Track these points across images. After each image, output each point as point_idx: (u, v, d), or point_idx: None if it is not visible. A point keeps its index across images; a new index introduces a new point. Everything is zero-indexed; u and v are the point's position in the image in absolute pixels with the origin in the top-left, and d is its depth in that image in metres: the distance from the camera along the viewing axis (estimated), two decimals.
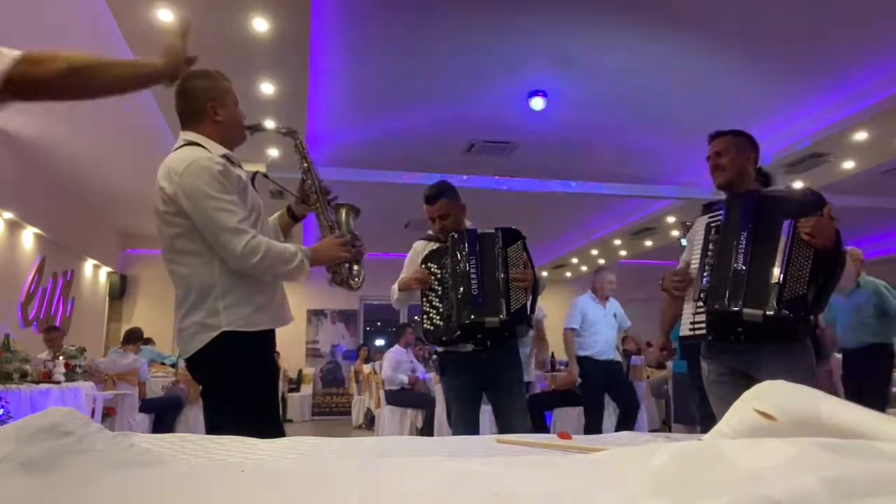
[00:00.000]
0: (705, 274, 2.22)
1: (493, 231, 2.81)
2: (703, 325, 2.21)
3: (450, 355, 2.90)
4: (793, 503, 0.35)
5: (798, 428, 0.50)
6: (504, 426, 2.83)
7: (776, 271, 2.06)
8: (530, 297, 2.71)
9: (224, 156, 1.99)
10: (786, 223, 2.10)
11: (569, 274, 12.44)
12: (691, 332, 2.26)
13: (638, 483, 0.42)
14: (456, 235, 2.84)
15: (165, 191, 1.94)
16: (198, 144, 1.99)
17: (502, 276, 2.71)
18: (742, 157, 2.36)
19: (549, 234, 9.98)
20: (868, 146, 6.09)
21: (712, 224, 2.29)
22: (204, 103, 2.03)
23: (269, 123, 2.30)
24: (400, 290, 2.95)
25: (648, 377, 7.50)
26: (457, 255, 2.79)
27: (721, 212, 2.28)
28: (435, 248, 2.91)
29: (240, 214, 1.91)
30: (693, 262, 2.32)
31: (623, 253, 10.94)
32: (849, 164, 6.51)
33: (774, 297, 2.04)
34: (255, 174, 2.26)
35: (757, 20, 4.49)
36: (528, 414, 2.98)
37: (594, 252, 11.13)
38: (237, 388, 1.97)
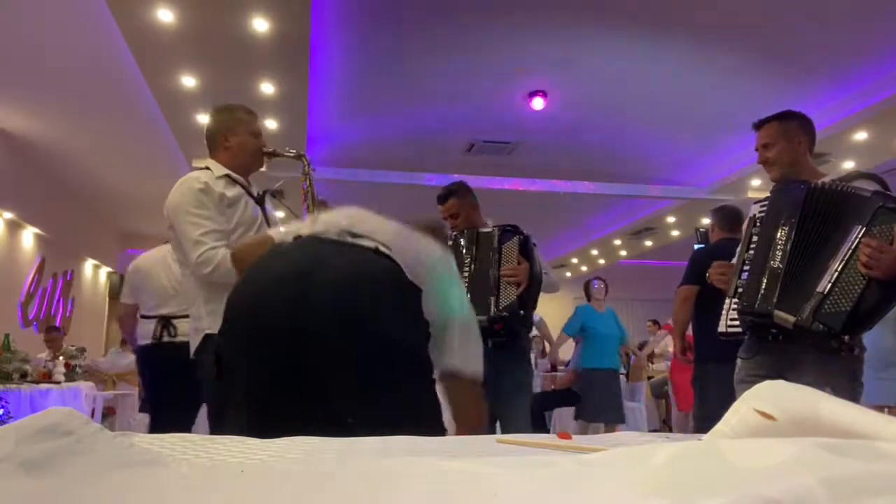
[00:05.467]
0: (745, 269, 2.02)
1: (490, 230, 2.82)
2: (738, 323, 2.05)
3: None
4: (793, 503, 0.35)
5: (798, 428, 0.50)
6: (504, 427, 2.84)
7: (825, 279, 1.80)
8: (521, 293, 2.67)
9: (226, 175, 2.19)
10: (855, 229, 1.80)
11: (569, 274, 12.45)
12: (728, 330, 2.09)
13: (637, 483, 0.42)
14: (457, 235, 2.87)
15: (165, 208, 2.16)
16: (206, 168, 2.22)
17: (494, 273, 2.70)
18: (792, 146, 2.09)
19: (549, 234, 9.98)
20: (868, 146, 6.10)
21: (757, 216, 2.07)
22: (216, 133, 2.27)
23: (281, 149, 2.43)
24: None
25: (650, 378, 7.50)
26: (458, 251, 2.81)
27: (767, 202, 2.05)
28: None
29: (205, 227, 2.05)
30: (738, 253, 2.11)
31: (623, 253, 10.94)
32: (849, 164, 6.51)
33: (812, 306, 1.79)
34: (264, 192, 2.38)
35: (756, 21, 4.49)
36: (530, 416, 2.96)
37: (594, 252, 11.13)
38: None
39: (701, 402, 3.54)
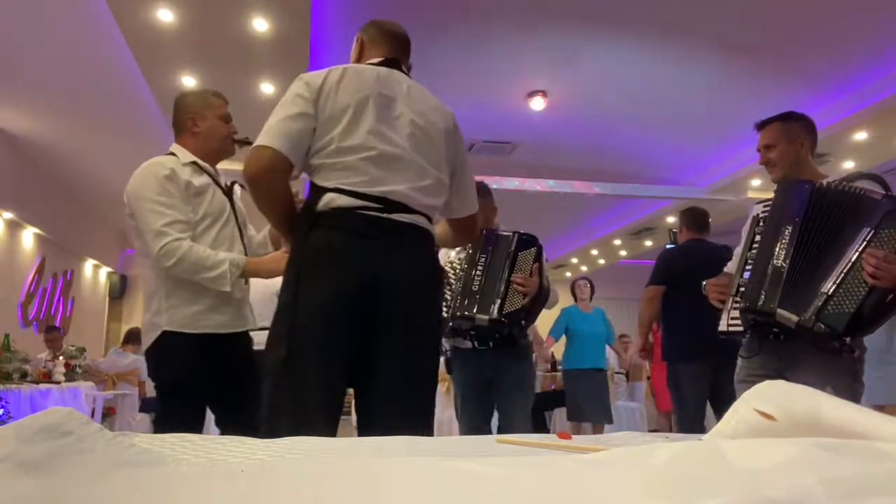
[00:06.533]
0: (747, 268, 2.00)
1: (510, 234, 2.82)
2: (740, 322, 2.03)
3: (457, 352, 2.96)
4: (792, 503, 0.35)
5: (798, 428, 0.50)
6: (504, 426, 2.86)
7: (830, 280, 1.78)
8: (527, 304, 2.68)
9: (193, 162, 2.08)
10: (863, 231, 1.79)
11: (569, 274, 12.44)
12: (729, 329, 2.06)
13: (637, 483, 0.42)
14: (480, 232, 2.88)
15: (125, 193, 2.05)
16: (172, 154, 2.11)
17: (505, 278, 2.70)
18: (794, 148, 2.10)
19: (549, 234, 9.97)
20: (868, 146, 6.10)
21: (761, 216, 2.06)
22: (184, 117, 2.15)
23: (253, 136, 2.36)
24: None
25: (649, 378, 7.49)
26: (473, 252, 2.83)
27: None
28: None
29: (169, 217, 1.95)
30: (737, 254, 2.11)
31: (623, 253, 10.94)
32: (849, 164, 6.51)
33: (816, 307, 1.78)
34: (233, 183, 2.27)
35: (757, 21, 4.49)
36: (530, 415, 2.96)
37: (594, 252, 11.13)
38: (170, 390, 2.05)
39: (678, 403, 3.55)
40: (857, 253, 1.77)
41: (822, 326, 1.77)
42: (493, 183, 7.35)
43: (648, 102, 5.73)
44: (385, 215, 1.55)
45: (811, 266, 1.86)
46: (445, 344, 3.07)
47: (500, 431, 3.11)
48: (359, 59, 1.80)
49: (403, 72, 1.78)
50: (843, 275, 1.78)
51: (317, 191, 1.57)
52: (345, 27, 4.63)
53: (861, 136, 5.90)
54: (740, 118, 5.52)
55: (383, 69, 1.70)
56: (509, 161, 7.02)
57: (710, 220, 3.89)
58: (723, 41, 4.78)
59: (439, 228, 2.37)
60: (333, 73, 1.62)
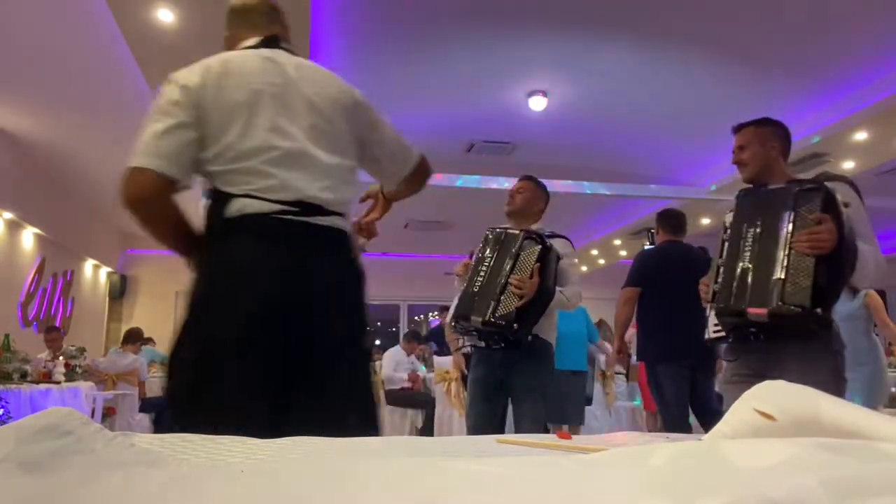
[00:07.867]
0: (720, 274, 2.10)
1: (517, 232, 2.75)
2: (721, 327, 2.10)
3: (476, 350, 2.94)
4: (792, 503, 0.35)
5: (798, 428, 0.50)
6: (515, 428, 2.84)
7: (778, 267, 1.94)
8: (521, 306, 2.56)
9: None
10: (784, 215, 1.97)
11: None
12: (712, 336, 2.15)
13: (637, 483, 0.42)
14: (491, 231, 2.86)
15: None
16: None
17: (503, 278, 2.63)
18: (765, 150, 2.23)
19: None
20: (868, 146, 6.09)
21: (727, 224, 2.17)
22: None
23: None
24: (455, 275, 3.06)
25: None
26: (485, 249, 2.80)
27: None
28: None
29: None
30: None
31: (623, 253, 10.94)
32: (849, 164, 6.51)
33: (777, 293, 1.91)
34: None
35: (756, 21, 4.49)
36: (543, 422, 2.90)
37: (594, 252, 11.13)
38: None
39: (661, 403, 3.57)
40: (788, 234, 1.94)
41: (792, 308, 1.88)
42: (493, 183, 7.36)
43: (648, 102, 5.73)
44: (302, 219, 1.44)
45: (767, 262, 1.99)
46: (466, 341, 3.05)
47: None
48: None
49: (285, 48, 1.63)
50: (786, 258, 1.92)
51: (222, 197, 1.43)
52: (345, 28, 4.63)
53: (861, 136, 5.90)
54: (740, 118, 5.51)
55: (265, 51, 1.57)
56: (509, 161, 7.02)
57: (686, 221, 3.88)
58: (722, 41, 4.78)
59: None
60: (212, 70, 1.46)
